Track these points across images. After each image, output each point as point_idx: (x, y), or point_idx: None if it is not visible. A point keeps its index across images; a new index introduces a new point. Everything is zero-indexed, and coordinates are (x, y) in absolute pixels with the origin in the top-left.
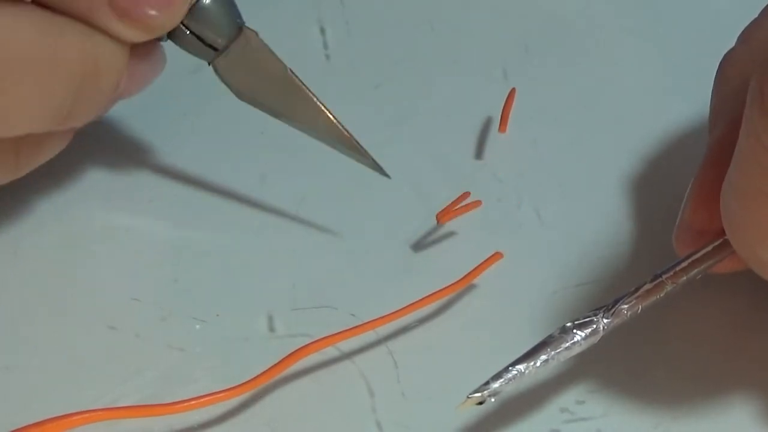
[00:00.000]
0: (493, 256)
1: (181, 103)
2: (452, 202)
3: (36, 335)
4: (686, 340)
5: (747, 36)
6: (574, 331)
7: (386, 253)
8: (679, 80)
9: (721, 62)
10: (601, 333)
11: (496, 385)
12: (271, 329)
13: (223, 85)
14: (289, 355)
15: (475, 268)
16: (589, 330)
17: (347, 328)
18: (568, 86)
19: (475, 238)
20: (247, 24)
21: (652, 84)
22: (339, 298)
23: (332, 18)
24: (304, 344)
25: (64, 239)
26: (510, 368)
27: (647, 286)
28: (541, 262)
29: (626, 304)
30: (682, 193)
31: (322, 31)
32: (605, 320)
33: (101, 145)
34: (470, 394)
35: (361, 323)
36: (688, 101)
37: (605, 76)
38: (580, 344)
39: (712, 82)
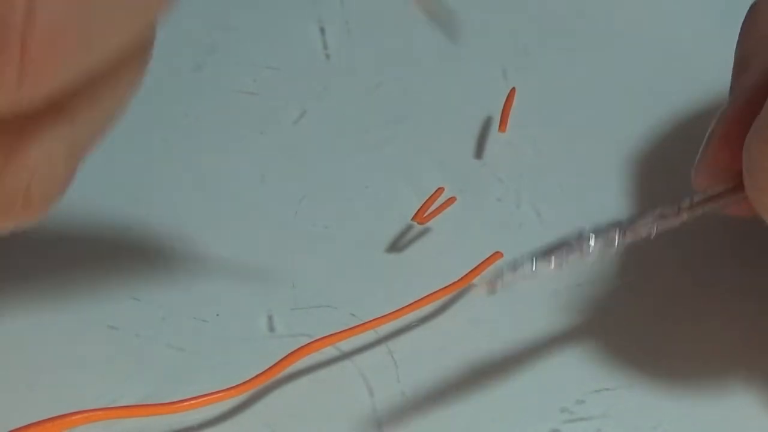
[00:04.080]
0: (493, 256)
1: (181, 103)
2: (426, 200)
3: (36, 335)
4: (687, 341)
5: None
6: (590, 237)
7: (386, 253)
8: (680, 81)
9: (749, 10)
10: (615, 247)
11: (506, 276)
12: (271, 329)
13: (222, 85)
14: (289, 355)
15: (475, 268)
16: (604, 241)
17: (347, 328)
18: (568, 86)
19: (475, 238)
20: (245, 23)
21: (652, 84)
22: (339, 298)
23: (332, 18)
24: (304, 344)
25: (64, 238)
26: (522, 263)
27: (665, 210)
28: None
29: (643, 223)
30: (683, 191)
31: (322, 31)
32: (621, 235)
33: (100, 144)
34: (478, 280)
35: (361, 323)
36: (689, 102)
37: (605, 76)
38: (593, 253)
39: (713, 83)
